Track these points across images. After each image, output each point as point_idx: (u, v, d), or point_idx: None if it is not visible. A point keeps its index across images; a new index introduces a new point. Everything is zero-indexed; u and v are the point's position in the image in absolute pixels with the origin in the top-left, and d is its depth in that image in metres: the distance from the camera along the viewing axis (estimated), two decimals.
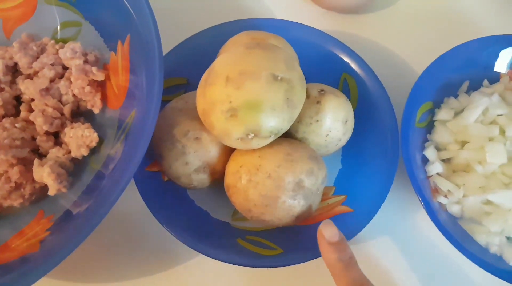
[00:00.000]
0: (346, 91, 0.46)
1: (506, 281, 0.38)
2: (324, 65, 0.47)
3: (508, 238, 0.41)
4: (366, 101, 0.45)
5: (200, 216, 0.42)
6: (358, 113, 0.44)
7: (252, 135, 0.35)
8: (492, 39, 0.46)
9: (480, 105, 0.43)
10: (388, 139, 0.42)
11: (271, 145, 0.38)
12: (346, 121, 0.40)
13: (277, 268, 0.39)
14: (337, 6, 0.53)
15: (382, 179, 0.41)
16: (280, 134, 0.37)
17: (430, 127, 0.45)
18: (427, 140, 0.45)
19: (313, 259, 0.37)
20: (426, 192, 0.41)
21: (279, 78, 0.35)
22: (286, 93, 0.35)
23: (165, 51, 0.41)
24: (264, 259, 0.38)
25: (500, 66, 0.47)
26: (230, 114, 0.34)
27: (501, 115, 0.43)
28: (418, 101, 0.44)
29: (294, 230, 0.41)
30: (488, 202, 0.40)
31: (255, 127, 0.34)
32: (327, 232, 0.34)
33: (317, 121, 0.39)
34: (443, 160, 0.44)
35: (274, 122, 0.35)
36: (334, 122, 0.39)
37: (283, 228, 0.41)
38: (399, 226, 0.45)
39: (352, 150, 0.45)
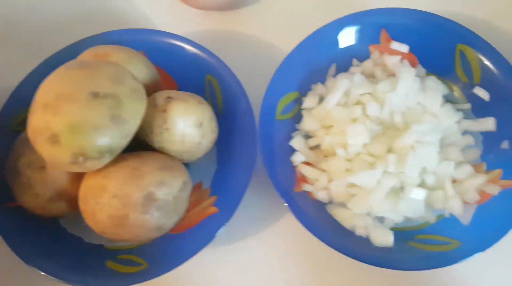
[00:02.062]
0: (212, 92, 0.45)
1: (374, 265, 0.37)
2: (188, 68, 0.46)
3: (375, 218, 0.40)
4: (229, 100, 0.44)
5: (71, 243, 0.41)
6: (226, 112, 0.43)
7: (82, 158, 0.34)
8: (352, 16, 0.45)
9: (340, 88, 0.42)
10: (249, 136, 0.41)
11: (116, 162, 0.37)
12: (201, 124, 0.39)
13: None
14: (204, 5, 0.52)
15: (244, 175, 0.40)
16: (118, 151, 0.36)
17: (299, 117, 0.44)
18: (294, 130, 0.44)
19: (175, 267, 0.37)
20: (289, 182, 0.41)
21: (101, 95, 0.34)
22: (111, 109, 0.34)
23: None
24: (128, 277, 0.37)
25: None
26: (52, 140, 0.33)
27: (365, 94, 0.42)
28: (278, 93, 0.43)
29: (163, 240, 0.40)
30: (352, 185, 0.40)
31: (80, 150, 0.33)
32: None
33: (167, 129, 0.38)
34: (315, 148, 0.43)
35: (101, 141, 0.34)
36: (186, 127, 0.39)
37: (157, 239, 0.40)
38: (266, 223, 0.43)
39: (224, 150, 0.44)
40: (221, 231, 0.38)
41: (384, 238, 0.38)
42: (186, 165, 0.45)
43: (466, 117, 0.43)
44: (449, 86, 0.45)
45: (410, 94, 0.41)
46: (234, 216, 0.41)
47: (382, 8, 0.44)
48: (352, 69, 0.45)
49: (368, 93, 0.42)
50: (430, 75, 0.44)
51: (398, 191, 0.39)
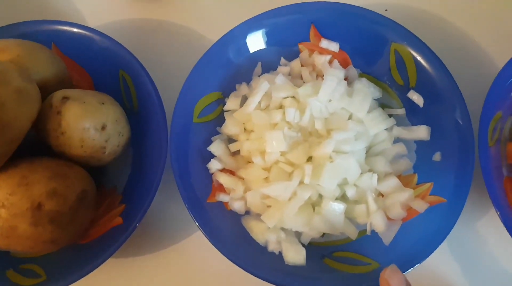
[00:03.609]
0: (126, 89, 0.41)
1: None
2: (102, 63, 0.42)
3: (291, 233, 0.37)
4: (143, 98, 0.40)
5: None
6: (141, 111, 0.40)
7: None
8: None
9: (259, 91, 0.38)
10: (160, 140, 0.38)
11: (6, 168, 0.34)
12: (104, 127, 0.36)
13: None
14: None
15: (152, 184, 0.37)
16: (4, 158, 0.33)
17: (222, 119, 0.41)
18: (216, 134, 0.41)
19: (73, 282, 0.35)
20: (204, 192, 0.38)
21: None
22: None
23: None
24: None
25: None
26: None
27: (287, 97, 0.39)
28: (196, 94, 0.40)
29: (68, 249, 0.38)
30: (268, 196, 0.37)
31: None
32: (394, 281, 0.30)
33: (62, 133, 0.35)
34: (238, 153, 0.40)
35: None
36: (84, 131, 0.35)
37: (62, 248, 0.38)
38: (179, 234, 0.41)
39: (138, 152, 0.41)
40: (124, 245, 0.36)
41: (295, 255, 0.36)
42: (102, 167, 0.42)
43: (400, 123, 0.40)
44: (385, 89, 0.41)
45: (334, 98, 0.37)
46: (144, 226, 0.39)
47: (309, 2, 0.40)
48: (279, 68, 0.41)
49: (292, 97, 0.39)
50: (362, 77, 0.40)
51: (315, 204, 0.36)
